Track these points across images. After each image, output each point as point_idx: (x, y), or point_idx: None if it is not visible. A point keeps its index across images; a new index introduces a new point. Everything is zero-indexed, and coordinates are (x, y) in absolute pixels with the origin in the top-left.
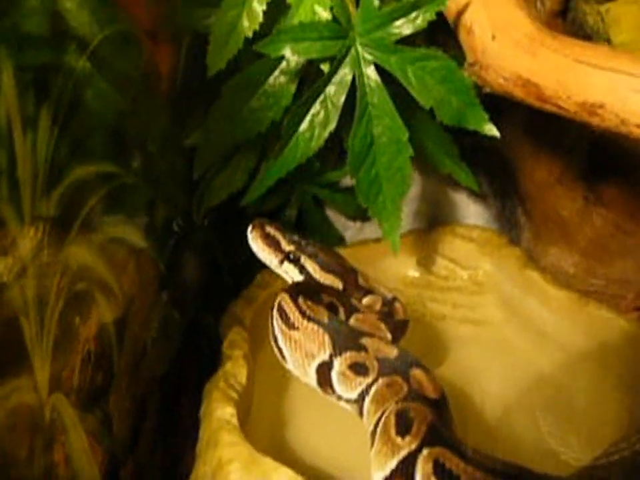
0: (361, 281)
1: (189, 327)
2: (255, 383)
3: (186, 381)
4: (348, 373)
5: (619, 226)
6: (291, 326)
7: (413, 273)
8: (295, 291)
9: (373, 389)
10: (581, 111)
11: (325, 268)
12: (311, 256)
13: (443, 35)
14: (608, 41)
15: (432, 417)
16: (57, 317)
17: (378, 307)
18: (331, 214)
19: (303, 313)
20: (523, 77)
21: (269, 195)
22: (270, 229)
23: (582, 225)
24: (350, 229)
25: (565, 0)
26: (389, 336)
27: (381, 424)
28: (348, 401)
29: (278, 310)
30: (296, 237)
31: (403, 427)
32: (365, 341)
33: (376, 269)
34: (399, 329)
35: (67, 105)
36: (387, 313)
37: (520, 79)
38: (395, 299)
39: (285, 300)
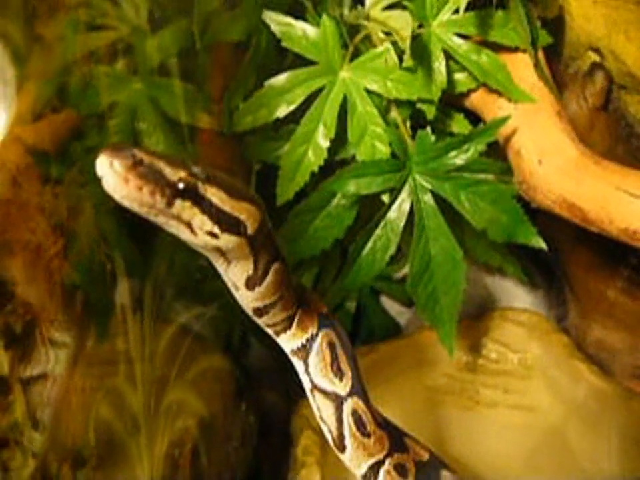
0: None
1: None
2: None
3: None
4: (392, 472)
5: None
6: (365, 434)
7: (466, 357)
8: (367, 397)
9: None
10: (623, 235)
11: (234, 195)
12: (210, 181)
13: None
14: None
15: None
16: (162, 457)
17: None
18: (385, 300)
19: (377, 423)
20: (568, 200)
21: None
22: (141, 155)
23: (626, 302)
24: (405, 316)
25: (606, 94)
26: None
27: None
28: None
29: (353, 416)
30: (180, 159)
31: None
32: (407, 441)
33: (432, 354)
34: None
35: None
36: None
37: (565, 202)
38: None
39: (363, 409)
